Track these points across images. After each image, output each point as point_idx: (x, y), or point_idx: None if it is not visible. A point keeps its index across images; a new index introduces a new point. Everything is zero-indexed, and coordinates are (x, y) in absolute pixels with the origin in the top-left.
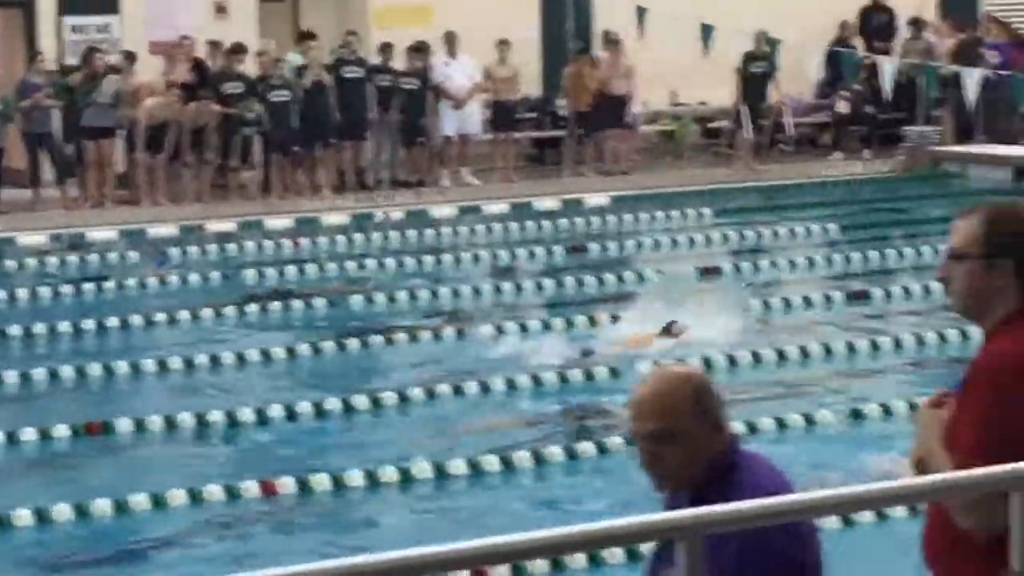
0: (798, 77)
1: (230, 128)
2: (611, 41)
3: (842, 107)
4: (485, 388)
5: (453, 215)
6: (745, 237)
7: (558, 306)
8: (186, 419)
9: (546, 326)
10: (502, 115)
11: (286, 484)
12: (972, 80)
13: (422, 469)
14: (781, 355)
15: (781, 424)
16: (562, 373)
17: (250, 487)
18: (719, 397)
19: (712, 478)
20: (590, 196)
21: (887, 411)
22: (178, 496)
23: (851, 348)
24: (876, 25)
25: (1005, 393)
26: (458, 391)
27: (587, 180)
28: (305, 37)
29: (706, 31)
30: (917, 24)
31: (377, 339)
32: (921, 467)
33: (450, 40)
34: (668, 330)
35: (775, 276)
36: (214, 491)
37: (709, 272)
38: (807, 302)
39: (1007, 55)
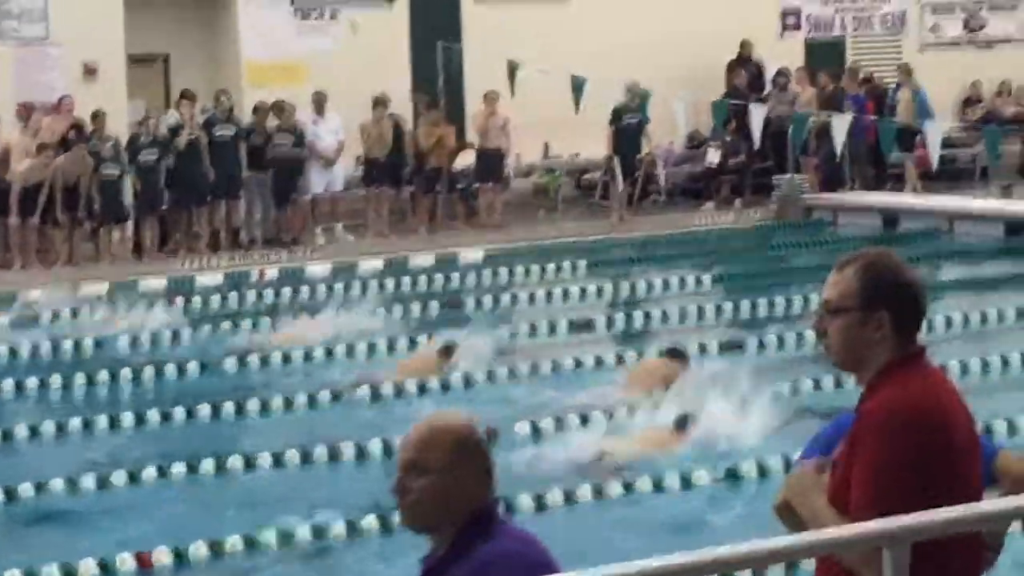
0: (669, 128)
1: (102, 188)
2: (488, 96)
3: (712, 157)
4: (361, 452)
5: (326, 273)
6: (619, 289)
7: None
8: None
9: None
10: (375, 171)
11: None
12: (840, 128)
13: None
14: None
15: (657, 485)
16: None
17: (125, 559)
18: (487, 455)
19: (468, 531)
20: (465, 251)
21: (763, 471)
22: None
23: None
24: (746, 76)
25: (895, 443)
26: (333, 455)
27: (462, 235)
28: (185, 96)
29: (577, 84)
30: (784, 75)
31: (253, 403)
32: (787, 516)
33: (318, 99)
34: (682, 426)
35: (649, 327)
36: (89, 564)
37: (581, 326)
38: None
39: (862, 106)
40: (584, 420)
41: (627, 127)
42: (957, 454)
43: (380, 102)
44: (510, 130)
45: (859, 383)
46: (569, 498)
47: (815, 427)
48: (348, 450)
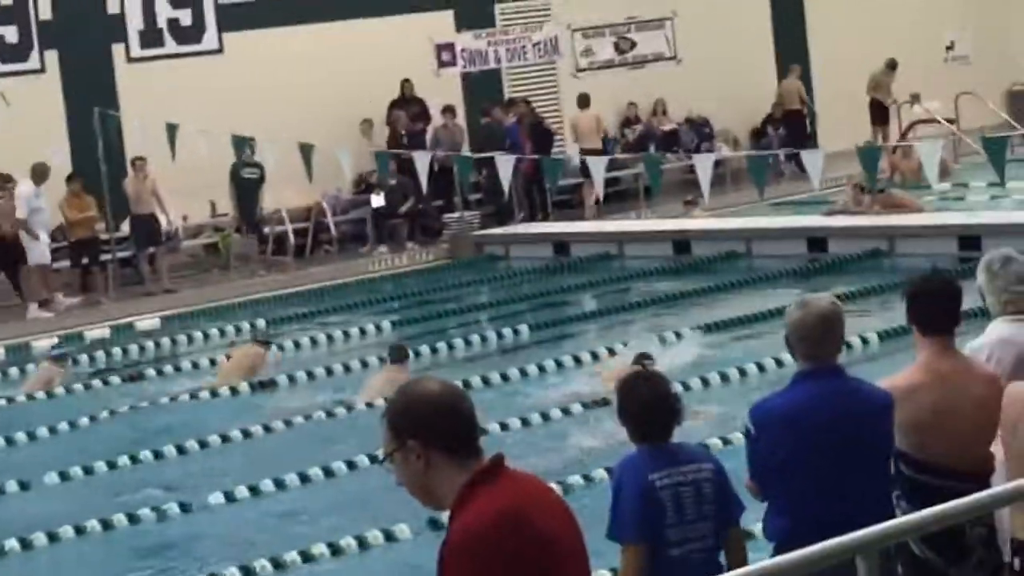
0: (335, 176)
1: None
2: (135, 162)
3: (377, 202)
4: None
5: None
6: (300, 345)
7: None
8: None
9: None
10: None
11: None
12: (505, 164)
13: None
14: (351, 465)
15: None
16: None
17: None
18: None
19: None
20: (140, 319)
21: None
22: None
23: None
24: (406, 117)
25: (486, 564)
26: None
27: (135, 303)
28: None
29: (237, 142)
30: (450, 111)
31: None
32: None
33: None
34: (642, 362)
35: (334, 382)
36: None
37: (265, 386)
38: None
39: (516, 136)
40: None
41: (246, 181)
42: (546, 557)
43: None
44: (162, 193)
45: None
46: None
47: None
48: None
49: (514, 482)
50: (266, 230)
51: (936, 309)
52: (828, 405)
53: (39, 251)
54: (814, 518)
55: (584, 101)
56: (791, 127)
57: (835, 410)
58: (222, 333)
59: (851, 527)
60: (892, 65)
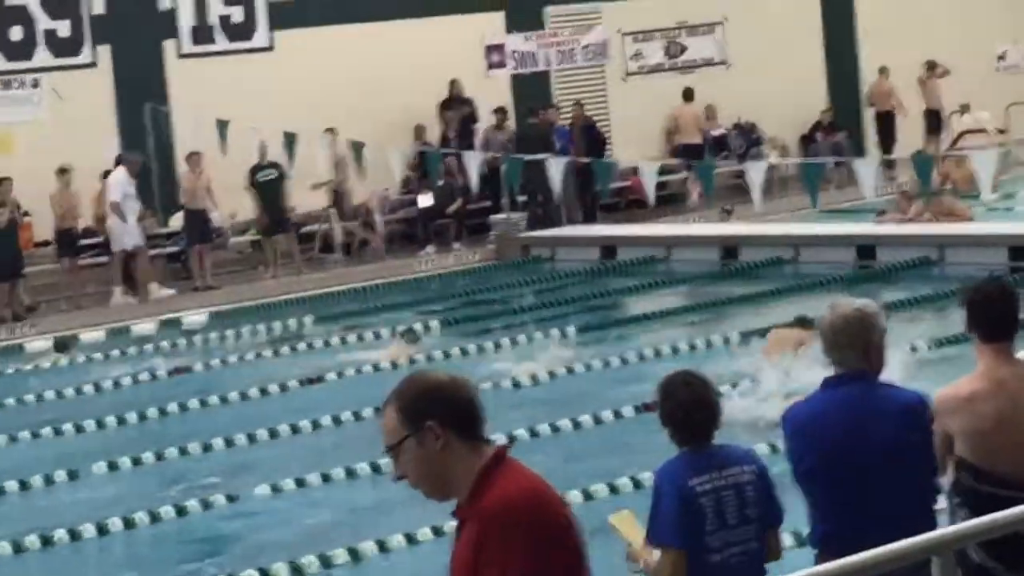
0: (384, 175)
1: None
2: (190, 157)
3: (425, 201)
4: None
5: (46, 347)
6: (347, 342)
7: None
8: None
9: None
10: (67, 242)
11: None
12: (555, 166)
13: None
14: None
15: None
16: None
17: None
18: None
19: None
20: (187, 315)
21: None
22: None
23: None
24: (457, 116)
25: (530, 534)
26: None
27: (182, 298)
28: None
29: (289, 139)
30: (502, 112)
31: None
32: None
33: None
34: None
35: (383, 379)
36: None
37: (312, 381)
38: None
39: (566, 139)
40: None
41: (266, 183)
42: (571, 540)
43: (64, 170)
44: (213, 190)
45: (459, 501)
46: None
47: None
48: None
49: (525, 470)
50: (312, 227)
51: (995, 316)
52: (848, 413)
53: (129, 235)
54: (848, 526)
55: (688, 95)
56: (884, 128)
57: (854, 418)
58: (269, 330)
59: (882, 538)
60: (931, 66)
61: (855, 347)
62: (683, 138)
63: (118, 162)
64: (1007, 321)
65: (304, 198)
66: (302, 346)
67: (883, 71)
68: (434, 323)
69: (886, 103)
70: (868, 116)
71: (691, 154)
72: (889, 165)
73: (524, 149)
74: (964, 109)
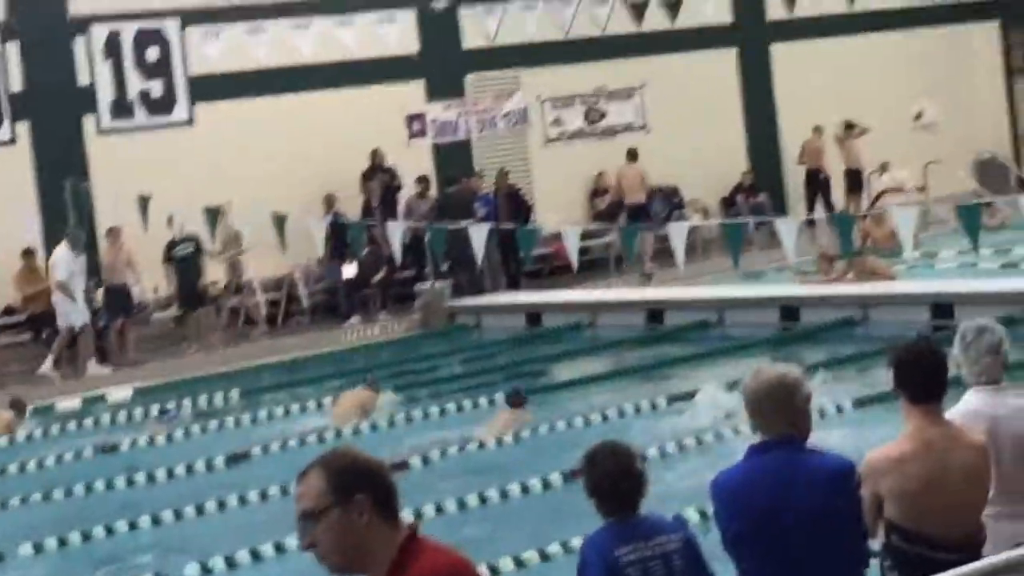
0: (308, 247)
1: None
2: (110, 232)
3: (349, 272)
4: None
5: None
6: (273, 416)
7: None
8: None
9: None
10: None
11: None
12: (478, 234)
13: None
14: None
15: None
16: None
17: None
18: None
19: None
20: (112, 391)
21: None
22: None
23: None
24: (379, 186)
25: None
26: None
27: (109, 375)
28: None
29: (211, 213)
30: (424, 181)
31: None
32: None
33: None
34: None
35: (309, 453)
36: None
37: (238, 458)
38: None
39: (492, 206)
40: None
41: (183, 258)
42: None
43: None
44: (136, 263)
45: None
46: None
47: None
48: None
49: (440, 546)
50: (233, 301)
51: (923, 377)
52: (774, 480)
53: (76, 314)
54: None
55: (632, 155)
56: (814, 187)
57: (781, 484)
58: (194, 405)
59: None
60: (849, 126)
61: (779, 413)
62: (629, 197)
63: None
64: (935, 382)
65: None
66: (228, 421)
67: (817, 129)
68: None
69: (818, 161)
70: (790, 177)
71: (637, 214)
72: (811, 224)
73: (445, 217)
74: (883, 168)
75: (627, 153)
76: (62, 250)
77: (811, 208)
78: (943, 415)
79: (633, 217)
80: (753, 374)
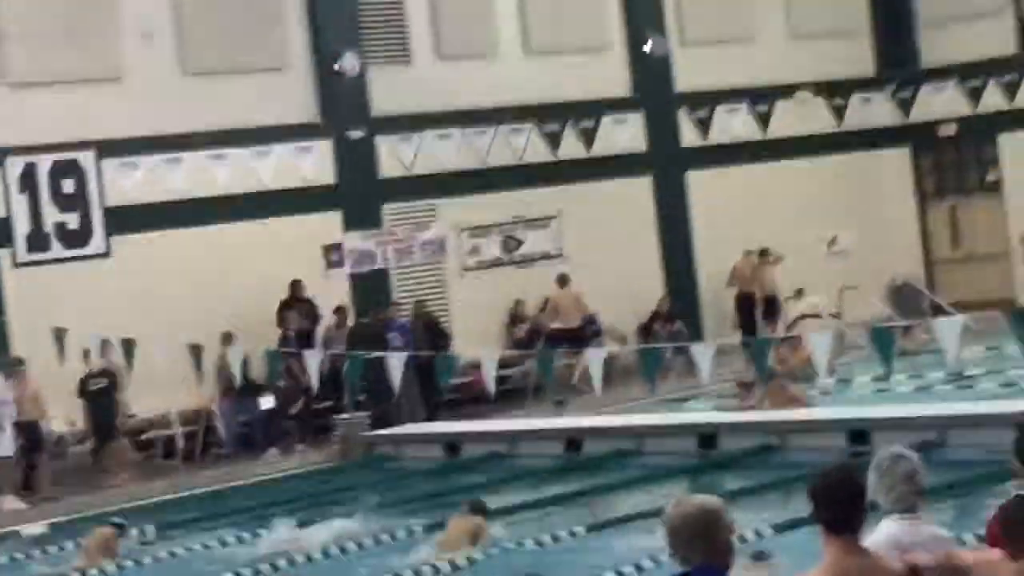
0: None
1: None
2: (16, 369)
3: (267, 403)
4: None
5: None
6: (192, 550)
7: None
8: None
9: None
10: None
11: None
12: (395, 364)
13: None
14: None
15: None
16: None
17: None
18: None
19: None
20: (25, 527)
21: None
22: None
23: None
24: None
25: None
26: None
27: (22, 511)
28: None
29: (128, 347)
30: (341, 311)
31: None
32: None
33: None
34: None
35: None
36: None
37: None
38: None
39: (408, 335)
40: None
41: (96, 392)
42: None
43: None
44: (43, 398)
45: None
46: None
47: None
48: None
49: None
50: (150, 434)
51: (839, 507)
52: None
53: (4, 443)
54: None
55: (563, 280)
56: (744, 310)
57: None
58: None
59: None
60: (764, 253)
61: (698, 545)
62: (564, 322)
63: None
64: (852, 512)
65: (144, 403)
66: (146, 558)
67: (748, 253)
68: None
69: (748, 285)
70: (707, 303)
71: (572, 338)
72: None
73: (357, 347)
74: (798, 293)
75: (558, 279)
76: None
77: (745, 330)
78: (860, 544)
79: (570, 341)
80: (674, 504)
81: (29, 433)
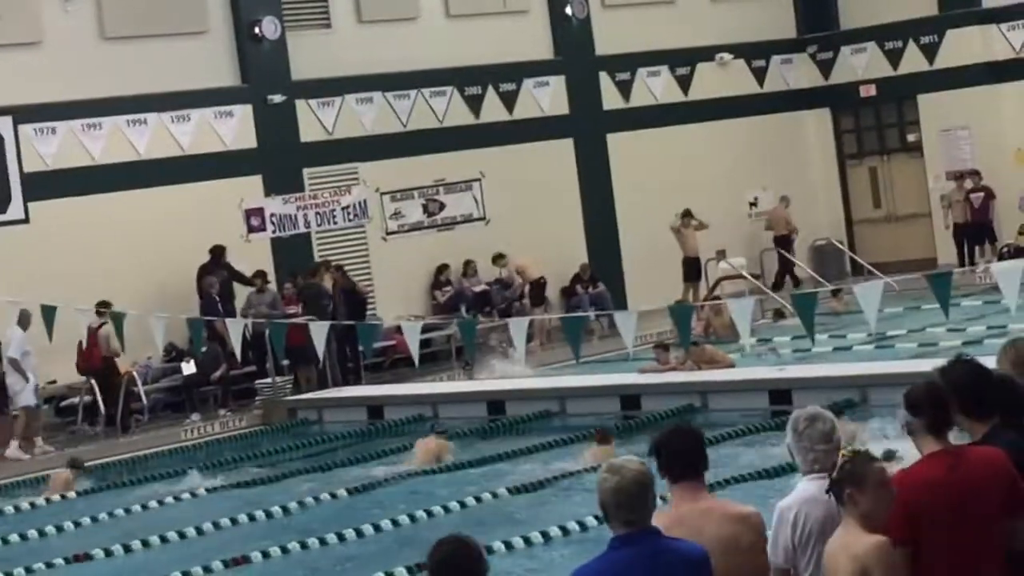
0: (147, 345)
1: None
2: None
3: (188, 369)
4: None
5: None
6: (115, 515)
7: None
8: None
9: None
10: None
11: None
12: (319, 332)
13: None
14: None
15: None
16: None
17: None
18: None
19: None
20: None
21: None
22: None
23: None
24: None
25: None
26: None
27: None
28: None
29: (48, 312)
30: (262, 276)
31: None
32: None
33: None
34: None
35: (154, 556)
36: None
37: (79, 558)
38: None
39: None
40: None
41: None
42: None
43: None
44: None
45: None
46: None
47: None
48: None
49: None
50: (74, 400)
51: (676, 457)
52: (645, 570)
53: (27, 393)
54: None
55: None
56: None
57: (653, 574)
58: (32, 506)
59: None
60: (687, 214)
61: (648, 504)
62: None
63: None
64: (689, 461)
65: (66, 371)
66: (68, 524)
67: (783, 199)
68: (201, 491)
69: (783, 227)
70: (629, 265)
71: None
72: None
73: (309, 307)
74: (720, 255)
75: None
76: (16, 331)
77: (786, 271)
78: (703, 491)
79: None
80: (613, 469)
81: None
